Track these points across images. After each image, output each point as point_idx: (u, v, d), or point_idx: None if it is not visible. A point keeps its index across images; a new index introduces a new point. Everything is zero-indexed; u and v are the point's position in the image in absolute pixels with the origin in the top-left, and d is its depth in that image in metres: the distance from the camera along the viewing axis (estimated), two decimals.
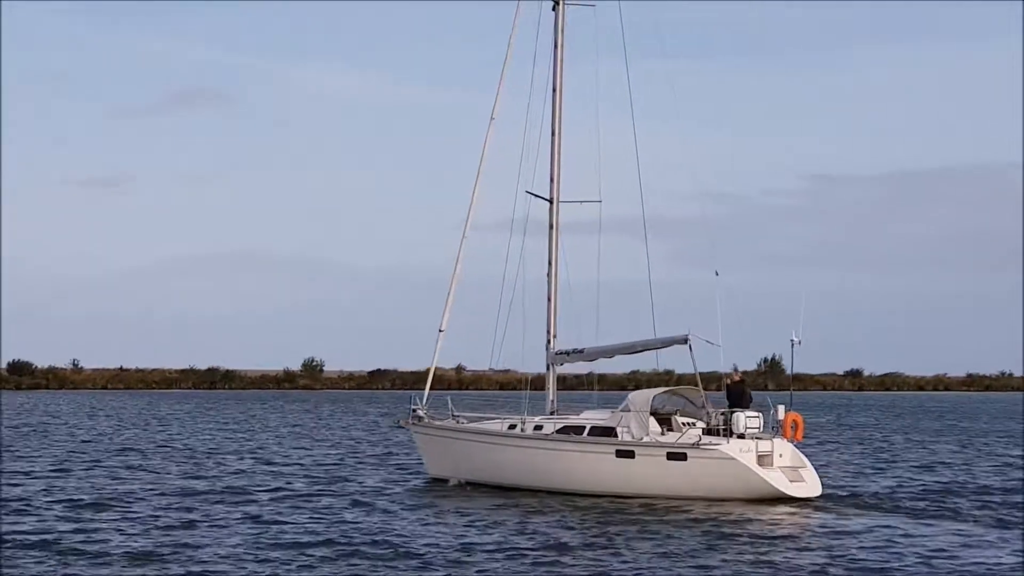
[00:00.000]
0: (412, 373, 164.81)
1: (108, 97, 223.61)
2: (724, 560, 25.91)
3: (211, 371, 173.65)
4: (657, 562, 25.55)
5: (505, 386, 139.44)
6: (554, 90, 40.28)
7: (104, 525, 29.86)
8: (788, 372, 43.11)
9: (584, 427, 38.26)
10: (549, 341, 40.90)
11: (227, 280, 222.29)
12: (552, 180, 40.36)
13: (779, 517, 32.93)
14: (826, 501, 36.00)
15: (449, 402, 40.90)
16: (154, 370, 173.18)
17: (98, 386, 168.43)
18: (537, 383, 41.68)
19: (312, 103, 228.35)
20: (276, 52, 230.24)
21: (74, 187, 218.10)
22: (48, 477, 41.18)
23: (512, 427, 39.63)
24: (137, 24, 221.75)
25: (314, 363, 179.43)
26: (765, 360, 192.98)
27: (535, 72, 40.61)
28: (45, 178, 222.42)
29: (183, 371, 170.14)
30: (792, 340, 39.06)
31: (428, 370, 41.93)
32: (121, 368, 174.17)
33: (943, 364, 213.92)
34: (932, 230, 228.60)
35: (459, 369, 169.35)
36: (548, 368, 40.92)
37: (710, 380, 41.02)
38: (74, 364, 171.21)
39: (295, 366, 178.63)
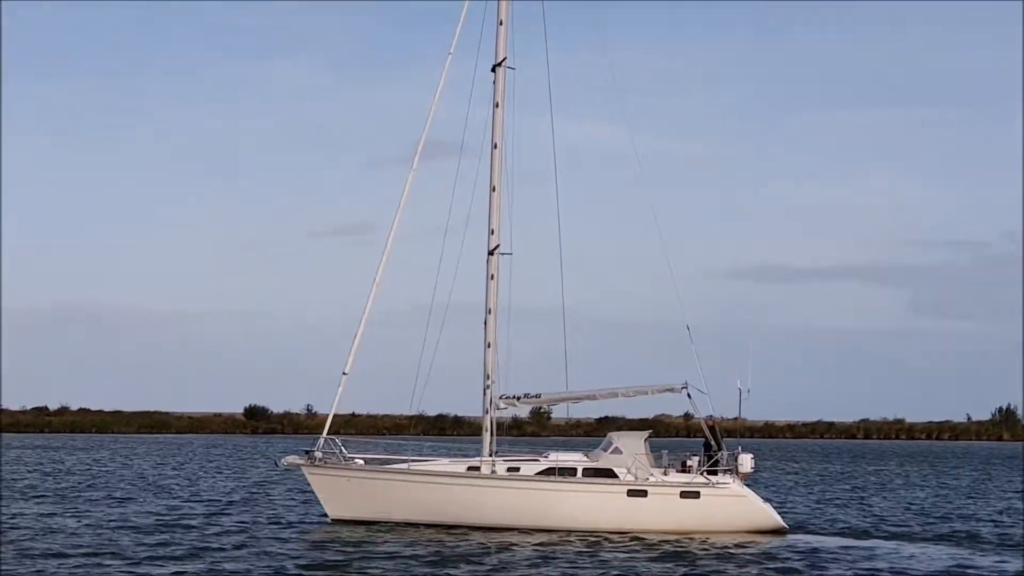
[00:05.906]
0: (640, 420, 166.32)
1: (354, 150, 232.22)
2: None
3: (440, 417, 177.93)
4: None
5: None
6: (494, 146, 42.03)
7: None
8: (739, 416, 44.95)
9: (575, 468, 40.26)
10: (487, 386, 42.46)
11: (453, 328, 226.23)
12: (491, 232, 42.08)
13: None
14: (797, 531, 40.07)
15: (339, 444, 42.63)
16: (384, 415, 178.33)
17: (330, 432, 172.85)
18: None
19: (555, 154, 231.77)
20: (525, 106, 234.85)
21: (320, 238, 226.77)
22: None
23: (472, 468, 41.19)
24: (381, 79, 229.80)
25: (542, 412, 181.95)
26: (1000, 409, 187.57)
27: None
28: (293, 229, 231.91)
29: (410, 417, 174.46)
30: (739, 388, 40.72)
31: (327, 415, 43.77)
32: (353, 414, 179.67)
33: None
34: None
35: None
36: (485, 412, 42.47)
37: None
38: (308, 409, 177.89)
39: (522, 413, 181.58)
